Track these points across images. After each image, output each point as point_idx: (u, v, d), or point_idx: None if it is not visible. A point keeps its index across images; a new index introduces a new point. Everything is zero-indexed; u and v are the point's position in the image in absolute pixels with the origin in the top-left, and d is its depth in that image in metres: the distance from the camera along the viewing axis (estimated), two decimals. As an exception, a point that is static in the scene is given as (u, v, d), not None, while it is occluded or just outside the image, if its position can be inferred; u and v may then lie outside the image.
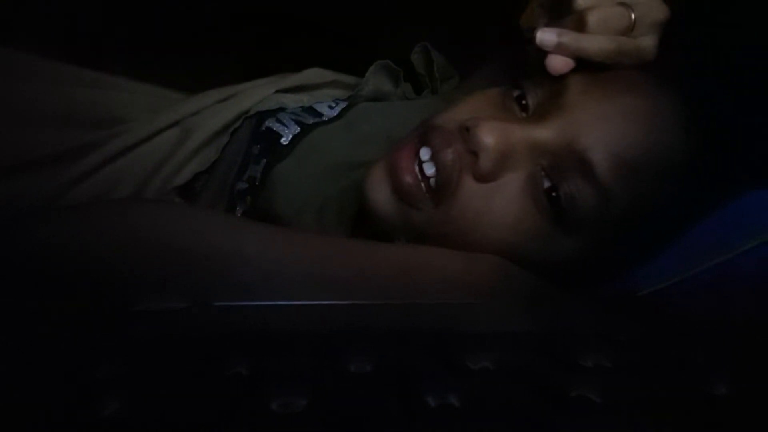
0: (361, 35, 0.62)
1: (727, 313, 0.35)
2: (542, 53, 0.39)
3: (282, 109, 0.51)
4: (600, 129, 0.37)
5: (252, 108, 0.51)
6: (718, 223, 0.41)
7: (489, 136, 0.37)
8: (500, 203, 0.38)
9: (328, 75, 0.57)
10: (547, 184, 0.37)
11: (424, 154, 0.39)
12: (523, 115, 0.40)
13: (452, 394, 0.21)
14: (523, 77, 0.41)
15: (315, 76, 0.56)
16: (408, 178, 0.38)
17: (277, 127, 0.49)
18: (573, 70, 0.39)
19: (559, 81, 0.39)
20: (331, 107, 0.53)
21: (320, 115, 0.51)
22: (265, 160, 0.47)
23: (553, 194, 0.37)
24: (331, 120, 0.51)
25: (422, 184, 0.39)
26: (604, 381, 0.22)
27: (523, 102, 0.40)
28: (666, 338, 0.27)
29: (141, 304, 0.27)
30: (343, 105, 0.53)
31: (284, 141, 0.48)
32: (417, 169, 0.39)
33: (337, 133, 0.50)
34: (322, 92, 0.57)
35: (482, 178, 0.38)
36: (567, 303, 0.36)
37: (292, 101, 0.53)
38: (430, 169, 0.39)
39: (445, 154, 0.38)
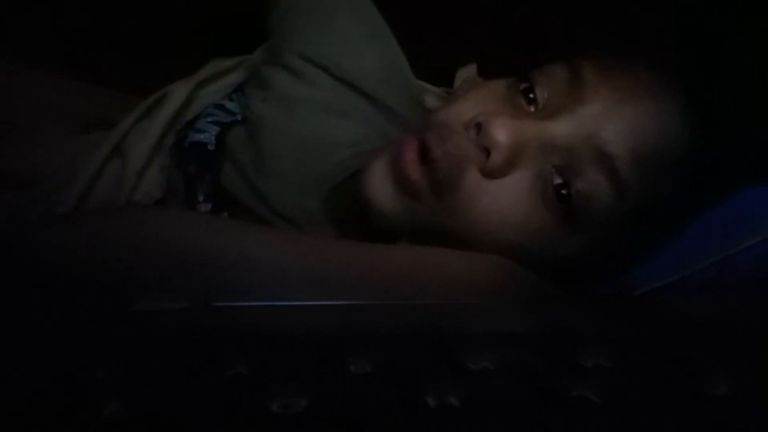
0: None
1: (726, 310, 0.35)
2: None
3: (195, 119, 0.51)
4: (620, 123, 0.37)
5: (177, 116, 0.50)
6: (717, 220, 0.41)
7: (502, 133, 0.36)
8: (508, 200, 0.37)
9: (230, 60, 0.56)
10: (557, 181, 0.37)
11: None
12: (531, 109, 0.39)
13: (452, 394, 0.21)
14: (531, 69, 0.40)
15: (219, 65, 0.55)
16: (412, 173, 0.38)
17: (198, 137, 0.49)
18: (586, 63, 0.39)
19: (575, 75, 0.38)
20: (233, 100, 0.52)
21: (233, 113, 0.51)
22: (208, 176, 0.47)
23: (563, 192, 0.36)
24: (244, 119, 0.51)
25: (425, 179, 0.38)
26: (604, 381, 0.22)
27: (531, 95, 0.39)
28: (666, 338, 0.27)
29: (143, 304, 0.27)
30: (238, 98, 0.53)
31: (210, 147, 0.48)
32: (420, 163, 0.39)
33: (250, 135, 0.49)
34: (235, 75, 0.56)
35: (491, 174, 0.37)
36: (567, 303, 0.36)
37: (213, 93, 0.53)
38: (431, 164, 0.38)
39: (444, 150, 0.37)
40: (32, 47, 0.54)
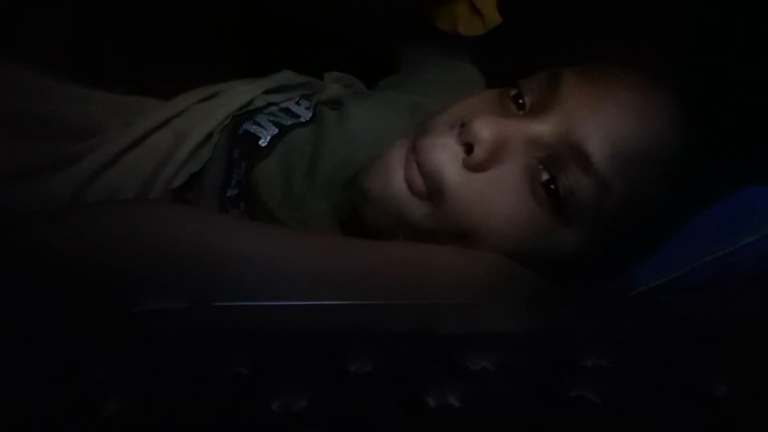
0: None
1: (726, 309, 0.35)
2: None
3: (258, 111, 0.51)
4: (595, 119, 0.37)
5: (243, 107, 0.51)
6: (717, 218, 0.41)
7: (484, 129, 0.37)
8: (496, 194, 0.38)
9: (301, 77, 0.58)
10: (545, 176, 0.38)
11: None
12: (521, 113, 0.41)
13: (452, 394, 0.21)
14: (520, 77, 0.42)
15: (291, 77, 0.57)
16: (410, 170, 0.39)
17: (254, 129, 0.49)
18: (567, 68, 0.40)
19: (555, 78, 0.40)
20: (307, 108, 0.53)
21: (297, 116, 0.52)
22: (244, 163, 0.47)
23: (552, 186, 0.37)
24: (308, 122, 0.51)
25: (414, 181, 0.39)
26: (603, 381, 0.22)
27: (520, 101, 0.41)
28: (666, 338, 0.27)
29: (143, 304, 0.27)
30: (312, 106, 0.54)
31: (263, 143, 0.48)
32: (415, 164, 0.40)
33: (314, 134, 0.50)
34: (297, 92, 0.57)
35: (474, 167, 0.38)
36: (567, 303, 0.36)
37: (279, 100, 0.54)
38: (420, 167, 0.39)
39: (432, 153, 0.39)
40: (32, 47, 0.54)
